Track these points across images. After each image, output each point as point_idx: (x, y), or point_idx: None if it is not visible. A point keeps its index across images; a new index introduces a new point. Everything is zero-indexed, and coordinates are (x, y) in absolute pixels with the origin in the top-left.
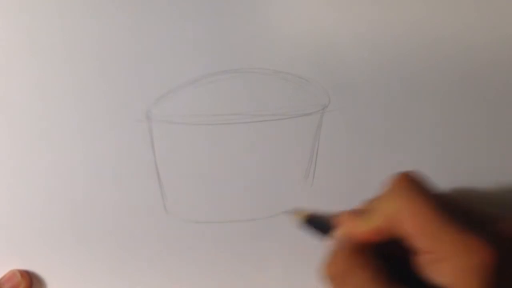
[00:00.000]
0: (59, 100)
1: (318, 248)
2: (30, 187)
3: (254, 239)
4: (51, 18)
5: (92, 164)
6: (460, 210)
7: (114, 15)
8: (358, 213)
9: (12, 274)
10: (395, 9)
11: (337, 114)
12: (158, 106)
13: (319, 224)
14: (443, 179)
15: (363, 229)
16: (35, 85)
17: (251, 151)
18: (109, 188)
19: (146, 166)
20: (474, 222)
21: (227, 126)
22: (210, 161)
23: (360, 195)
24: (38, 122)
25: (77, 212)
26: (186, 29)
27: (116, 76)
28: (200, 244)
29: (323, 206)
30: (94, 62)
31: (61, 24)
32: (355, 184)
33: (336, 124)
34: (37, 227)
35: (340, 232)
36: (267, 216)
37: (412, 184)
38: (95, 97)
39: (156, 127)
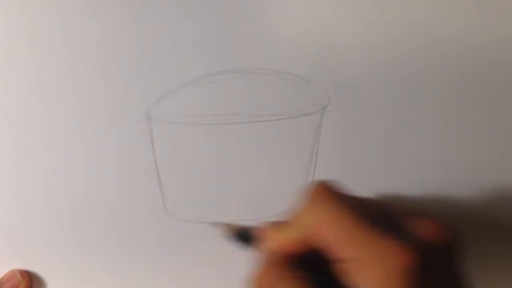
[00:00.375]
0: (59, 100)
1: None
2: (30, 187)
3: None
4: (51, 18)
5: (92, 164)
6: (379, 213)
7: (114, 15)
8: (280, 225)
9: (12, 274)
10: (395, 9)
11: (337, 114)
12: (158, 106)
13: (244, 236)
14: (443, 179)
15: (283, 242)
16: (35, 85)
17: (251, 151)
18: (109, 188)
19: (146, 166)
20: (394, 224)
21: (227, 126)
22: (210, 161)
23: (360, 195)
24: (38, 122)
25: (77, 212)
26: (186, 29)
27: (116, 76)
28: (200, 244)
29: None
30: (94, 62)
31: (61, 24)
32: (355, 184)
33: (336, 124)
34: (37, 227)
35: (263, 245)
36: (267, 216)
37: (328, 195)
38: (95, 97)
39: (156, 127)
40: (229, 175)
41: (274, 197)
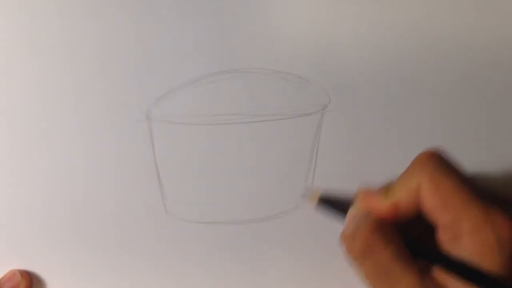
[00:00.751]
0: (59, 100)
1: (318, 248)
2: (30, 187)
3: (254, 239)
4: (51, 18)
5: (92, 164)
6: (483, 190)
7: (114, 15)
8: (379, 189)
9: (12, 274)
10: (395, 9)
11: (337, 114)
12: (158, 106)
13: (336, 204)
14: None
15: (384, 204)
16: (35, 85)
17: (251, 151)
18: (109, 188)
19: (146, 166)
20: (496, 201)
21: (227, 126)
22: (210, 161)
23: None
24: (38, 122)
25: (77, 212)
26: (186, 29)
27: (116, 76)
28: (200, 244)
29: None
30: (94, 62)
31: (61, 24)
32: (355, 184)
33: (336, 124)
34: (37, 227)
35: (360, 207)
36: (267, 216)
37: (436, 160)
38: (95, 97)
39: (156, 127)
40: (229, 175)
41: (274, 197)
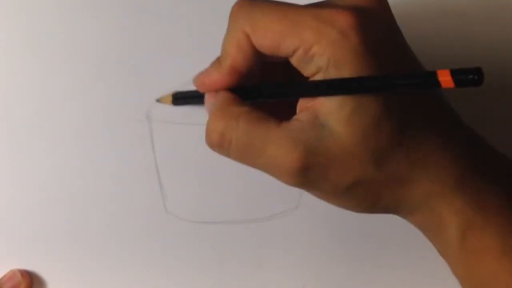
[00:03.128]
0: (59, 100)
1: (318, 248)
2: (30, 187)
3: (254, 239)
4: (51, 18)
5: (92, 164)
6: (305, 5)
7: (114, 15)
8: (211, 65)
9: (12, 274)
10: (395, 9)
11: None
12: (158, 106)
13: (189, 97)
14: None
15: (221, 73)
16: (35, 85)
17: None
18: (109, 188)
19: (146, 166)
20: (324, 5)
21: None
22: (210, 161)
23: None
24: (38, 122)
25: (77, 212)
26: (186, 29)
27: (116, 76)
28: (200, 244)
29: (324, 205)
30: (94, 62)
31: (61, 24)
32: None
33: None
34: (37, 227)
35: (206, 95)
36: (267, 216)
37: (247, 4)
38: (95, 97)
39: (156, 127)
40: (229, 175)
41: (274, 197)
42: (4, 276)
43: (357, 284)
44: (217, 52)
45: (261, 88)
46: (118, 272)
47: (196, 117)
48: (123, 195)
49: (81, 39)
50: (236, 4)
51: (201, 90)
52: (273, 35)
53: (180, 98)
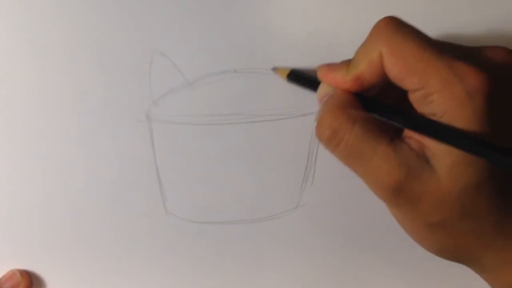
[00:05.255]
0: (59, 100)
1: (318, 248)
2: (30, 187)
3: (254, 239)
4: (51, 18)
5: (92, 164)
6: (446, 46)
7: (114, 15)
8: (339, 64)
9: (12, 273)
10: (395, 9)
11: None
12: (158, 106)
13: (304, 79)
14: None
15: (346, 78)
16: (35, 85)
17: (251, 151)
18: (109, 188)
19: (146, 166)
20: (462, 55)
21: (227, 126)
22: (210, 161)
23: (360, 195)
24: (38, 122)
25: (77, 212)
26: (186, 29)
27: (116, 76)
28: (200, 244)
29: (323, 205)
30: (94, 62)
31: (61, 24)
32: (355, 184)
33: None
34: (37, 227)
35: (323, 85)
36: (267, 216)
37: (393, 25)
38: (95, 97)
39: (156, 127)
40: (229, 175)
41: (274, 197)
42: (3, 276)
43: (357, 284)
44: (217, 52)
45: (382, 106)
46: (118, 272)
47: (196, 117)
48: (123, 195)
49: (81, 39)
50: (384, 20)
51: (322, 80)
52: (402, 67)
53: (295, 76)
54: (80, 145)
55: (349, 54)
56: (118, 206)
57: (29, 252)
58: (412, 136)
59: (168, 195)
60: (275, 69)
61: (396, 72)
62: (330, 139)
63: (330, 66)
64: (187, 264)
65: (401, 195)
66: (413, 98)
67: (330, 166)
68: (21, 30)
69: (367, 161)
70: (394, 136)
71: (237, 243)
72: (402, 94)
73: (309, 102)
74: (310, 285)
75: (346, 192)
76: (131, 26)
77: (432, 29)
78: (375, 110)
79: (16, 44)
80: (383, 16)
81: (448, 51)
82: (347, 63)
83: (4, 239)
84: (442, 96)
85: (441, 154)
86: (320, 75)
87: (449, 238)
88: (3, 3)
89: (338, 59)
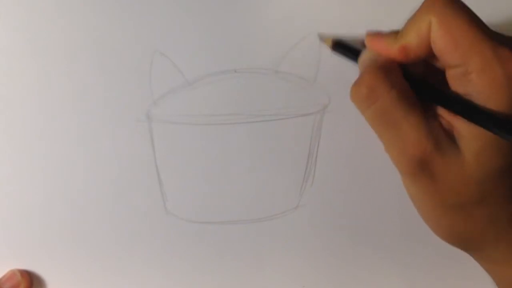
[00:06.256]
0: (59, 100)
1: (318, 248)
2: (30, 187)
3: (254, 239)
4: (51, 18)
5: (92, 164)
6: (493, 32)
7: (114, 15)
8: (388, 33)
9: (12, 273)
10: (395, 9)
11: (337, 114)
12: (158, 106)
13: (348, 47)
14: None
15: (393, 47)
16: (35, 85)
17: (251, 151)
18: (109, 188)
19: (146, 166)
20: (506, 42)
21: (227, 126)
22: (210, 161)
23: (360, 195)
24: (38, 122)
25: (77, 212)
26: (186, 29)
27: (116, 76)
28: (200, 244)
29: (323, 205)
30: (94, 62)
31: (61, 24)
32: (355, 184)
33: (336, 124)
34: (37, 227)
35: (368, 52)
36: (267, 216)
37: (446, 1)
38: (95, 97)
39: (156, 127)
40: (229, 175)
41: (274, 197)
42: (3, 276)
43: (357, 284)
44: (216, 52)
45: (420, 81)
46: (118, 272)
47: (196, 117)
48: (123, 195)
49: (81, 39)
50: None
51: (368, 46)
52: (448, 41)
53: (339, 46)
54: (80, 145)
55: None
56: (118, 206)
57: (29, 252)
58: (444, 116)
59: (168, 195)
60: (320, 36)
61: (441, 44)
62: (365, 98)
63: (379, 34)
64: (187, 264)
65: (423, 168)
66: (451, 74)
67: (330, 166)
68: (21, 30)
69: (397, 127)
70: (426, 111)
71: (237, 243)
72: (438, 76)
73: (309, 102)
74: (310, 285)
75: (346, 192)
76: (131, 26)
77: None
78: (413, 83)
79: (16, 44)
80: (383, 16)
81: (495, 36)
82: (396, 33)
83: (4, 239)
84: (480, 77)
85: (470, 137)
86: (367, 41)
87: (462, 223)
88: (3, 3)
89: (338, 59)
